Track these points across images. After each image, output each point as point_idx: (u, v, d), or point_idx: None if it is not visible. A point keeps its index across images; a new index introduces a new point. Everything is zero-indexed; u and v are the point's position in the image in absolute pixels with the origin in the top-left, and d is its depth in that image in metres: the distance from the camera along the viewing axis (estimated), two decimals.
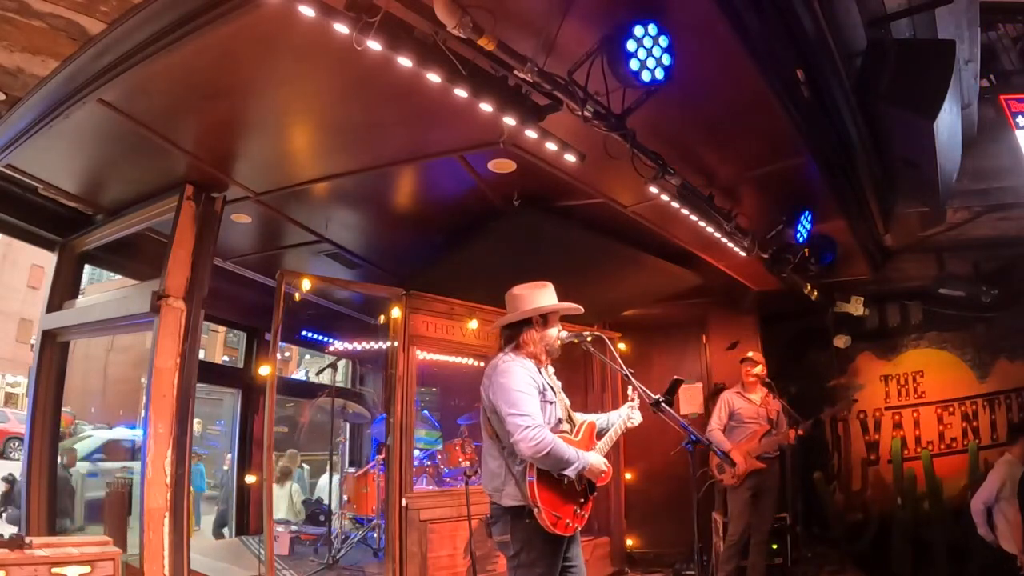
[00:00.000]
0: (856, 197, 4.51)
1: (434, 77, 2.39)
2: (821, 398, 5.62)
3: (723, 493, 5.34)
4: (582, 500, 2.72)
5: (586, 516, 2.74)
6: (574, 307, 2.91)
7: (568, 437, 2.74)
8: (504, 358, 2.76)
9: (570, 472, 2.60)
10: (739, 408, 5.09)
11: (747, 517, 4.89)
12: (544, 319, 2.83)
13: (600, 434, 2.91)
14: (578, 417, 2.92)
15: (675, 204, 3.56)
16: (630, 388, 2.94)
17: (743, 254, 4.36)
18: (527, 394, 2.64)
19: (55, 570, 2.70)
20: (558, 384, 2.90)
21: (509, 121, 2.71)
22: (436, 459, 5.87)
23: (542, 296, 2.85)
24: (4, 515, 7.52)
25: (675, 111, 3.12)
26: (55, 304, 4.51)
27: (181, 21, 2.50)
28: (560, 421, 2.79)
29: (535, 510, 2.57)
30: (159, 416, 3.40)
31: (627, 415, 2.91)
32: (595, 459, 2.70)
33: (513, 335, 2.83)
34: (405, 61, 2.30)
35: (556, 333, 2.85)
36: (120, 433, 10.62)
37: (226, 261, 5.30)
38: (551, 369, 2.92)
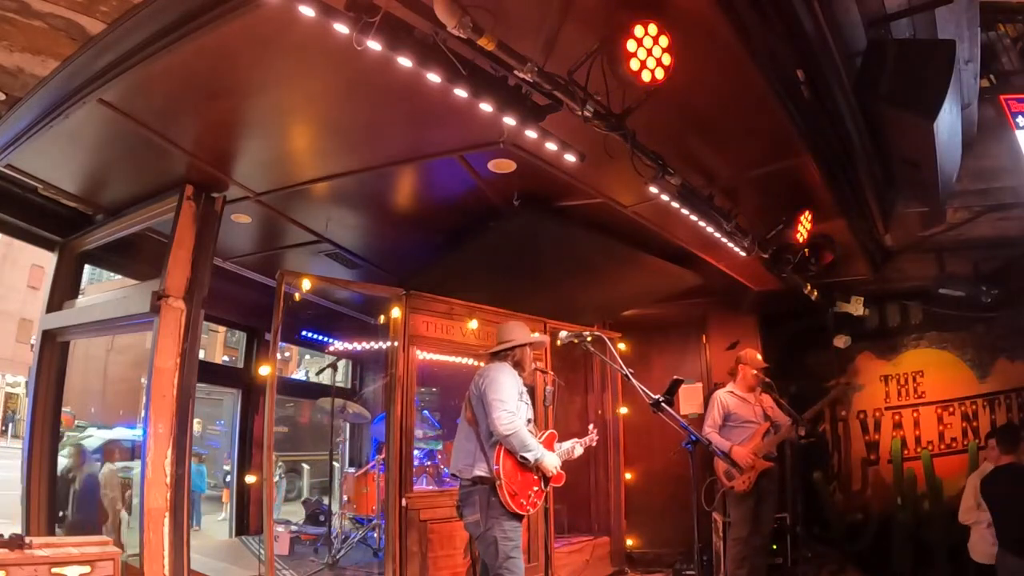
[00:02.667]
0: (856, 197, 4.51)
1: (434, 77, 2.39)
2: (821, 398, 5.61)
3: (722, 494, 5.31)
4: (536, 489, 3.41)
5: (538, 503, 3.43)
6: (544, 340, 3.90)
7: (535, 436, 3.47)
8: (499, 363, 3.56)
9: (529, 456, 3.31)
10: (735, 408, 4.96)
11: (752, 520, 4.84)
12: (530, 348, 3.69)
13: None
14: None
15: (675, 204, 3.56)
16: (591, 425, 3.92)
17: (743, 254, 4.36)
18: (510, 389, 3.38)
19: (55, 570, 2.69)
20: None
21: (509, 121, 2.71)
22: (436, 459, 5.88)
23: (526, 330, 3.72)
24: None
25: (675, 111, 3.12)
26: (55, 304, 4.50)
27: (181, 21, 2.49)
28: (530, 421, 3.50)
29: (497, 482, 3.24)
30: (159, 416, 3.40)
31: (573, 444, 3.74)
32: (551, 457, 3.44)
33: (507, 353, 3.61)
34: (405, 61, 2.30)
35: (530, 358, 3.70)
36: (120, 433, 10.60)
37: (226, 261, 5.30)
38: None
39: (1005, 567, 4.11)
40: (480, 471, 3.31)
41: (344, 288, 5.60)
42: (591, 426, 3.89)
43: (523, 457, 3.30)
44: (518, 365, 3.59)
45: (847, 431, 6.95)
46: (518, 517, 3.33)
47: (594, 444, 3.93)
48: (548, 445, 3.56)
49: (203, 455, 10.82)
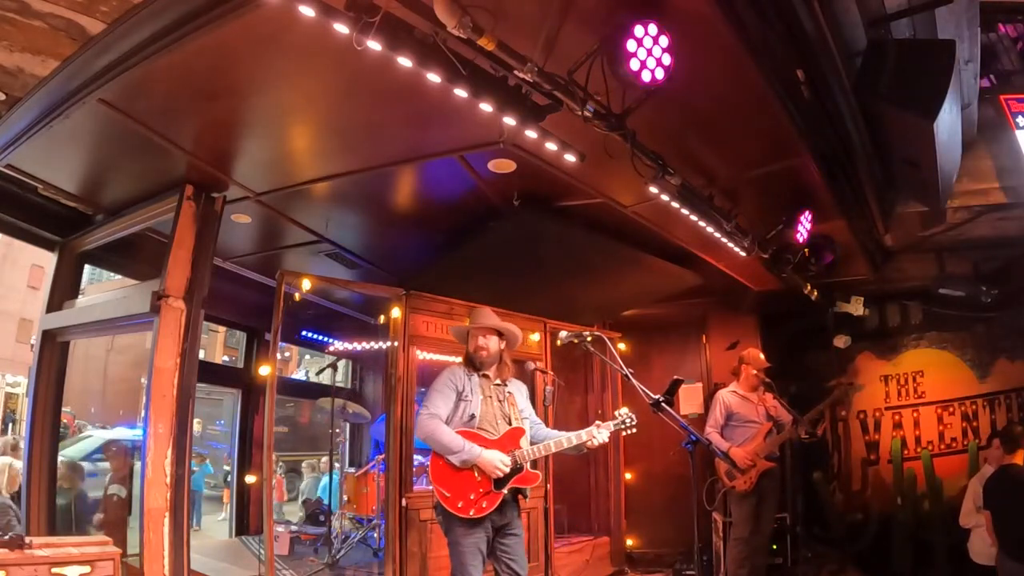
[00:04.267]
0: (856, 197, 4.51)
1: (434, 77, 2.39)
2: (821, 398, 5.62)
3: (723, 494, 5.31)
4: (481, 491, 3.17)
5: (486, 506, 3.15)
6: (489, 321, 3.47)
7: (481, 435, 3.25)
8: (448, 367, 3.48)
9: (453, 459, 3.16)
10: (738, 408, 4.97)
11: (753, 520, 4.83)
12: (465, 336, 3.50)
13: (534, 441, 3.37)
14: (531, 425, 3.49)
15: (675, 204, 3.56)
16: (623, 409, 3.42)
17: (743, 254, 4.36)
18: (439, 392, 3.30)
19: (55, 570, 2.69)
20: (505, 392, 3.44)
21: (509, 121, 2.71)
22: None
23: (473, 317, 3.51)
24: None
25: (675, 111, 3.12)
26: (55, 304, 4.50)
27: (181, 21, 2.49)
28: (473, 417, 3.28)
29: (432, 485, 3.18)
30: (159, 416, 3.40)
31: (590, 431, 3.29)
32: (488, 455, 3.17)
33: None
34: (405, 61, 2.30)
35: (475, 345, 3.43)
36: (120, 433, 10.61)
37: (226, 261, 5.30)
38: (497, 381, 3.46)
39: (1004, 571, 4.10)
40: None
41: (344, 288, 5.60)
42: (625, 409, 3.39)
43: (448, 459, 3.18)
44: (466, 358, 3.48)
45: (847, 431, 6.95)
46: (471, 522, 3.14)
47: (627, 431, 3.37)
48: (510, 442, 3.29)
49: (204, 455, 10.83)
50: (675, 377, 3.08)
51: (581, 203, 4.18)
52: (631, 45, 2.38)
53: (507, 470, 3.19)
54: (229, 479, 8.27)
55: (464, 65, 2.39)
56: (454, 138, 3.37)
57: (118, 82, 2.84)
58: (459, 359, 5.42)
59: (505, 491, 3.21)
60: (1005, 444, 4.38)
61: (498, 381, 3.46)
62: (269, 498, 4.43)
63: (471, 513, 3.13)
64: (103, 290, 4.95)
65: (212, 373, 7.37)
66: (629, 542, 6.41)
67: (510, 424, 3.37)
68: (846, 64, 3.61)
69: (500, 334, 3.46)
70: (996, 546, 4.18)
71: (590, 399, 6.55)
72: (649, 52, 2.42)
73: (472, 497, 3.15)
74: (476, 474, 3.18)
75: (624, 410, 3.38)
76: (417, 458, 5.37)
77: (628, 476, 6.42)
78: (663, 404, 2.98)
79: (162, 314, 3.49)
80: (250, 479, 6.30)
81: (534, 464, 3.39)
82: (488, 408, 3.35)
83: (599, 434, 3.27)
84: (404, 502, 4.46)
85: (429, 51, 2.31)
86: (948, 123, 4.00)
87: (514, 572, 3.23)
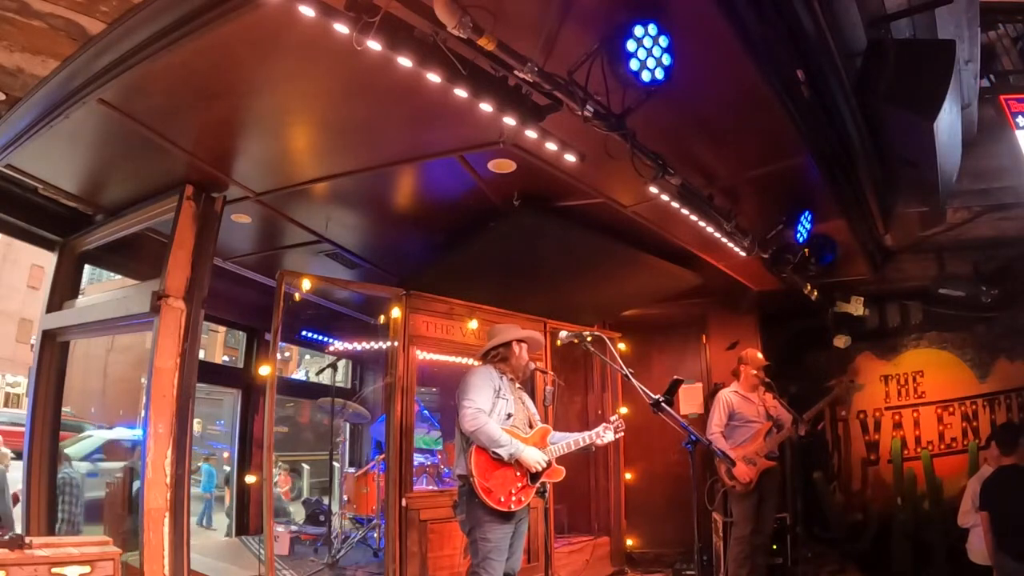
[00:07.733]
0: (856, 197, 4.51)
1: (434, 77, 2.39)
2: (821, 398, 5.62)
3: (723, 493, 5.31)
4: (519, 485, 3.35)
5: (524, 499, 3.35)
6: (532, 335, 3.77)
7: (517, 433, 3.43)
8: (478, 367, 3.62)
9: (501, 452, 3.28)
10: (739, 407, 4.99)
11: (753, 519, 4.84)
12: (522, 345, 3.66)
13: (554, 441, 3.58)
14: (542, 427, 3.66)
15: (675, 204, 3.56)
16: (614, 416, 3.70)
17: (743, 254, 4.36)
18: (480, 388, 3.40)
19: (55, 570, 2.69)
20: (523, 395, 3.68)
21: (509, 121, 2.71)
22: (436, 459, 5.88)
23: (514, 329, 3.73)
24: None
25: (675, 111, 3.12)
26: (55, 304, 4.50)
27: (181, 21, 2.49)
28: (509, 416, 3.46)
29: (471, 478, 3.24)
30: (159, 416, 3.40)
31: (598, 432, 3.58)
32: (530, 452, 3.37)
33: (492, 354, 3.64)
34: (405, 61, 2.30)
35: (526, 357, 3.67)
36: (120, 433, 10.61)
37: (226, 261, 5.30)
38: (517, 385, 3.68)
39: (1003, 569, 4.10)
40: (460, 469, 3.37)
41: (344, 288, 5.60)
42: (614, 416, 3.69)
43: (495, 453, 3.28)
44: (504, 362, 3.60)
45: (847, 431, 6.95)
46: (502, 516, 3.28)
47: (620, 433, 3.63)
48: (540, 440, 3.52)
49: (209, 455, 10.84)
50: (675, 377, 3.10)
51: (581, 203, 4.18)
52: (631, 45, 2.39)
53: (545, 466, 3.40)
54: (229, 479, 8.28)
55: (464, 65, 2.40)
56: (454, 138, 3.37)
57: (118, 82, 2.84)
58: (459, 359, 5.51)
59: (538, 485, 3.41)
60: (1001, 445, 4.38)
61: (518, 384, 3.68)
62: (269, 498, 4.43)
63: (512, 507, 3.30)
64: (103, 290, 4.95)
65: (212, 373, 7.36)
66: (629, 542, 6.41)
67: (529, 424, 3.58)
68: (846, 64, 3.60)
69: (523, 341, 3.72)
70: (994, 545, 4.18)
71: (590, 399, 6.55)
72: (649, 52, 2.43)
73: (512, 492, 3.32)
74: (516, 469, 3.36)
75: (615, 417, 3.69)
76: (417, 458, 5.37)
77: (628, 476, 6.41)
78: (663, 404, 3.00)
79: (162, 314, 3.50)
80: (250, 479, 6.30)
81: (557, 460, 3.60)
82: (518, 408, 3.55)
83: (605, 435, 3.57)
84: (404, 502, 4.46)
85: (429, 51, 2.31)
86: (948, 123, 4.00)
87: (509, 566, 3.36)
